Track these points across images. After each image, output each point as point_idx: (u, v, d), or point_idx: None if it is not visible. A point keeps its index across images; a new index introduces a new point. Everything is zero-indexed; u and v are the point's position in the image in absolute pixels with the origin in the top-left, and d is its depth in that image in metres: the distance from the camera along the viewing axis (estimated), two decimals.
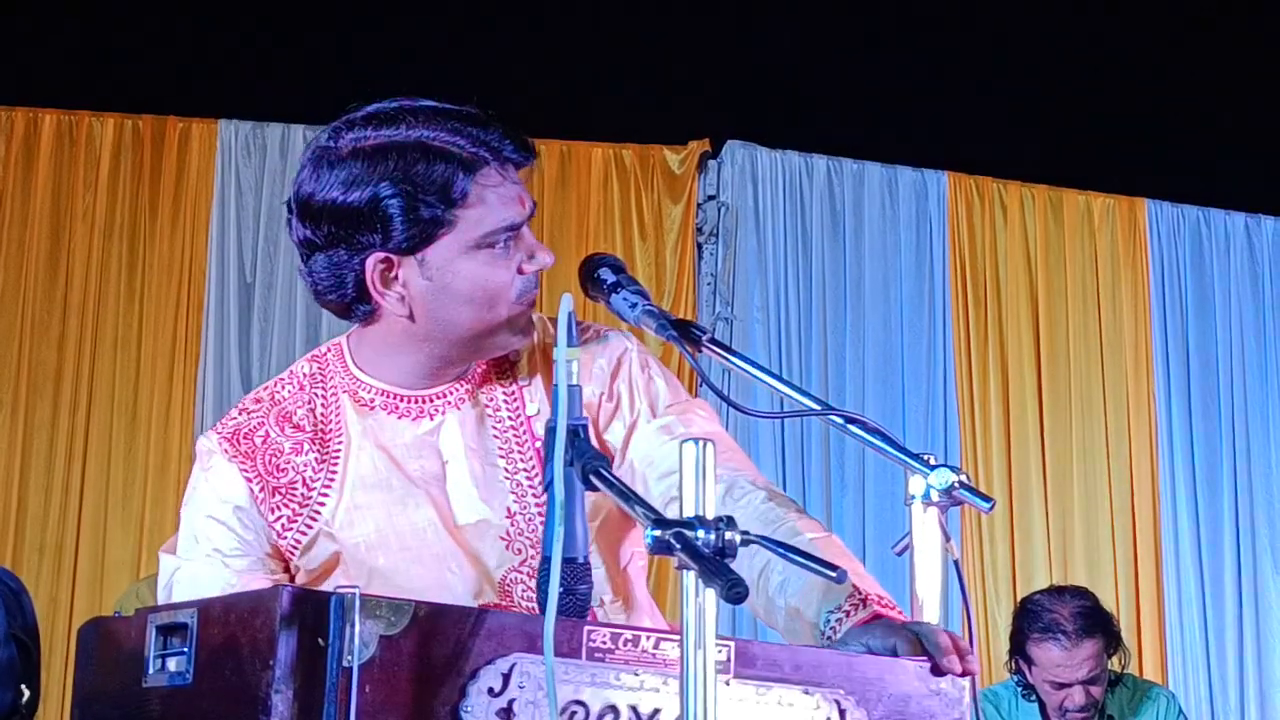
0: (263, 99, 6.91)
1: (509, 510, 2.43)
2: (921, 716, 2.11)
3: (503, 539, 2.42)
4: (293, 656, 1.75)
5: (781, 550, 1.89)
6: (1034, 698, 5.39)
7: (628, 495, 1.96)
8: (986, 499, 2.21)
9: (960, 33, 7.27)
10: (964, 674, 2.12)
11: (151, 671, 1.88)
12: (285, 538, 2.42)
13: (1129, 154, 7.59)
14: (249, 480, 2.43)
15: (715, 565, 1.73)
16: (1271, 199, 7.82)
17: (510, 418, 2.48)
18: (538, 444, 2.45)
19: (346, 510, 2.43)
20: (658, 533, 1.78)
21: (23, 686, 3.54)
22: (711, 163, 7.24)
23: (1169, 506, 7.44)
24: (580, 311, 2.17)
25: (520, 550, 2.42)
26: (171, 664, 1.87)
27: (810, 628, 2.22)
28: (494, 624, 1.89)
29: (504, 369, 2.51)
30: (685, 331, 2.39)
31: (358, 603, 1.78)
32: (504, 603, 2.39)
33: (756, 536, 1.85)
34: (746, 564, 2.26)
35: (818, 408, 2.38)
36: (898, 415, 7.16)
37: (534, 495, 2.43)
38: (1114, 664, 5.34)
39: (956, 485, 2.20)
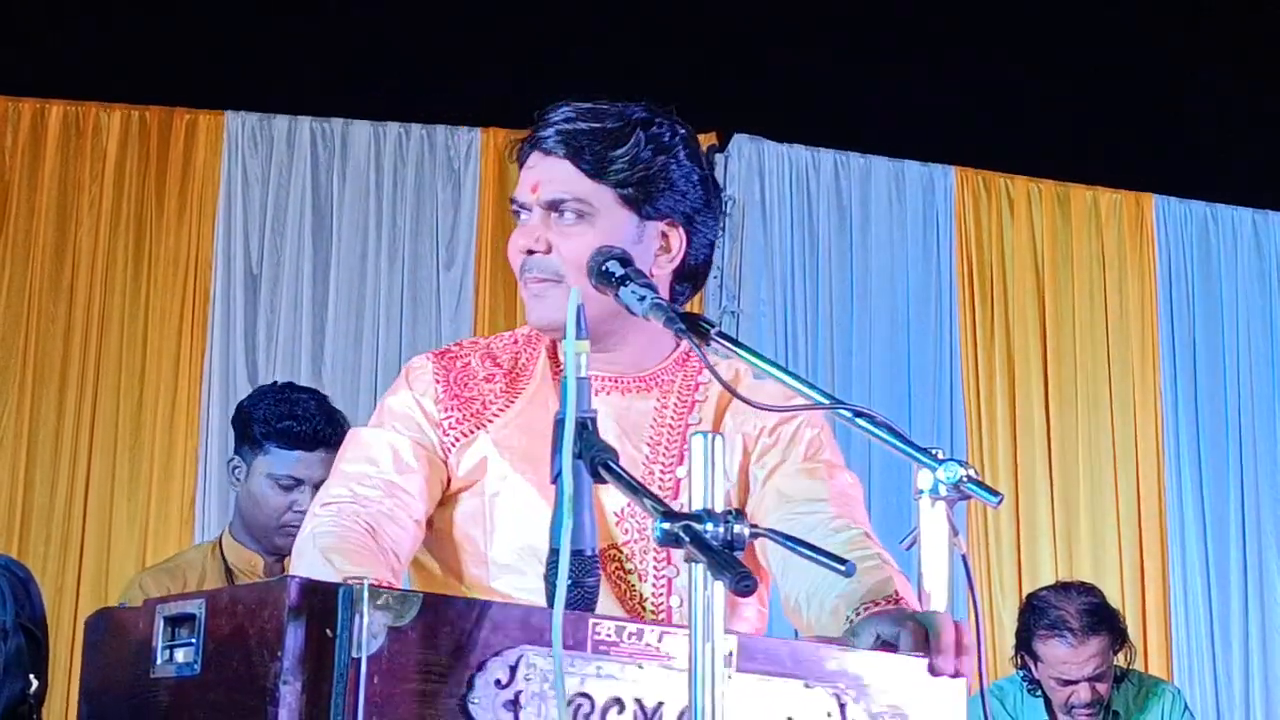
0: (270, 91, 6.91)
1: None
2: (920, 712, 2.12)
3: (616, 515, 2.58)
4: (301, 647, 1.76)
5: (791, 544, 1.90)
6: (1039, 693, 5.39)
7: (635, 488, 1.97)
8: (994, 493, 2.21)
9: (967, 27, 7.26)
10: (955, 675, 2.13)
11: (159, 662, 1.89)
12: (449, 434, 2.64)
13: (1136, 149, 7.58)
14: (437, 382, 2.68)
15: (724, 558, 1.73)
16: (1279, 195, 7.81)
17: (673, 418, 2.65)
18: (685, 447, 2.61)
19: (511, 427, 2.64)
20: (666, 525, 1.79)
21: (31, 676, 3.54)
22: (719, 156, 7.23)
23: (1175, 501, 7.43)
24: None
25: (627, 531, 2.57)
26: (179, 654, 1.87)
27: (843, 620, 2.28)
28: (500, 616, 1.89)
29: (689, 385, 2.70)
30: (693, 324, 2.40)
31: (366, 594, 1.78)
32: None
33: (765, 530, 1.86)
34: (815, 579, 2.38)
35: (825, 401, 2.39)
36: (904, 410, 7.15)
37: (659, 487, 2.60)
38: (1120, 660, 5.34)
39: (964, 479, 2.19)
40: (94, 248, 6.70)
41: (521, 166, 2.69)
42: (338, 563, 2.33)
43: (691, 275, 2.72)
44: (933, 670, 2.12)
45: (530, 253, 2.61)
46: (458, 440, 2.63)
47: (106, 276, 6.70)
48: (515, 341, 2.76)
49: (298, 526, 4.10)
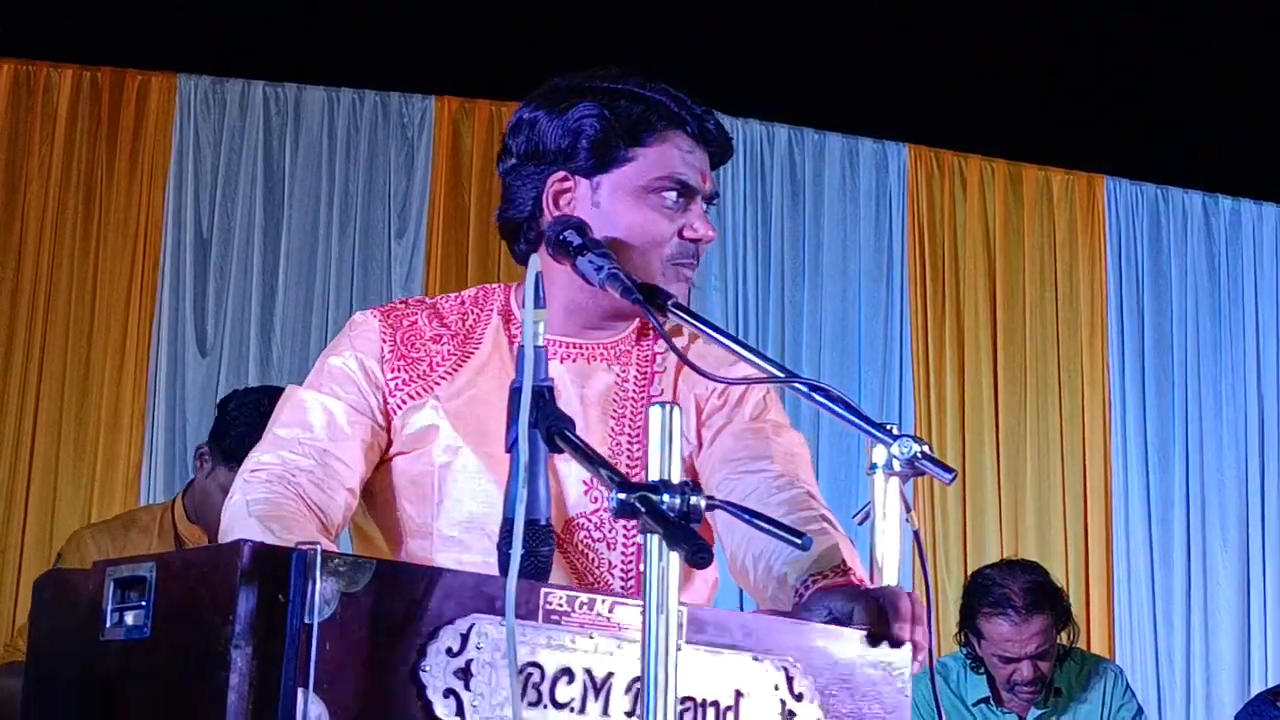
0: (223, 54, 6.86)
1: None
2: (866, 685, 2.14)
3: (585, 483, 2.55)
4: (252, 612, 1.75)
5: (748, 517, 1.90)
6: (982, 670, 5.41)
7: (591, 458, 1.97)
8: (948, 470, 2.22)
9: (923, 5, 7.26)
10: (914, 645, 2.15)
11: (109, 625, 1.87)
12: (395, 396, 2.59)
13: (1089, 130, 7.61)
14: (383, 341, 2.62)
15: (680, 529, 1.74)
16: (1229, 179, 7.86)
17: (635, 391, 2.64)
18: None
19: (460, 394, 2.60)
20: (623, 496, 1.79)
21: None
22: None
23: (1120, 482, 7.48)
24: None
25: (596, 500, 2.55)
26: (130, 617, 1.85)
27: (791, 591, 2.28)
28: (453, 584, 1.89)
29: (647, 357, 2.69)
30: (650, 295, 2.41)
31: (319, 559, 1.77)
32: (561, 537, 2.50)
33: (722, 502, 1.86)
34: (761, 542, 2.38)
35: (782, 376, 2.39)
36: (853, 385, 7.17)
37: (627, 460, 2.58)
38: (1063, 639, 5.37)
39: (919, 455, 2.20)
40: (43, 209, 6.64)
41: (651, 136, 2.60)
42: (277, 530, 2.31)
43: None
44: (895, 640, 2.14)
45: (699, 240, 2.61)
46: (405, 402, 2.58)
47: (56, 238, 6.64)
48: (463, 303, 2.71)
49: None
